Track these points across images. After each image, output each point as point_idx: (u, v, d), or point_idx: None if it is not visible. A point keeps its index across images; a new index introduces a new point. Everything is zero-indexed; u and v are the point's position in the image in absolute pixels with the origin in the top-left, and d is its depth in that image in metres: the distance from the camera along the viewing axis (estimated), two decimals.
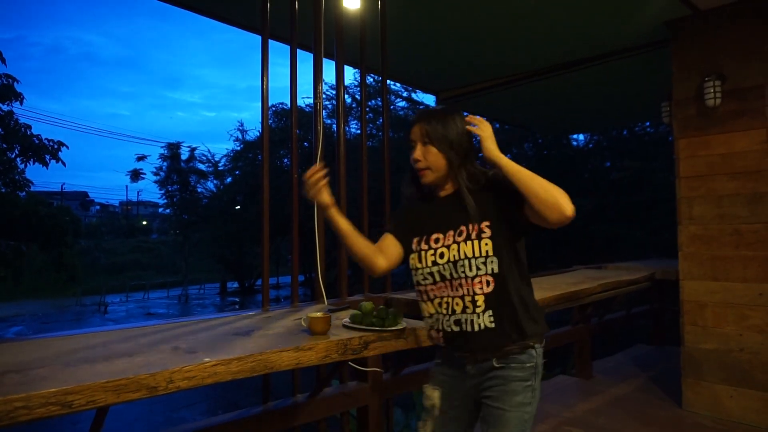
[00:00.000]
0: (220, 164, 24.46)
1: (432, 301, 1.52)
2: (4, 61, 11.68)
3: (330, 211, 1.50)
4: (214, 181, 25.33)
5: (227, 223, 20.70)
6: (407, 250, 1.57)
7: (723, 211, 3.04)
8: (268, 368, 1.45)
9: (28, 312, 20.46)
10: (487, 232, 1.43)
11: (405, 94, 13.83)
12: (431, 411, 1.53)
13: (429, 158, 1.49)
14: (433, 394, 1.53)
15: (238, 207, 20.58)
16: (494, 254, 1.42)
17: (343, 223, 1.52)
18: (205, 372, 1.32)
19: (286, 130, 14.29)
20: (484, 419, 1.47)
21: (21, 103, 11.99)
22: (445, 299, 1.49)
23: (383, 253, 1.55)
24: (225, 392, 8.77)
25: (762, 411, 2.89)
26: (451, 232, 1.48)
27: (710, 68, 3.06)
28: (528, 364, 1.45)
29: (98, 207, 50.59)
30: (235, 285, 27.13)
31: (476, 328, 1.44)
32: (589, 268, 4.27)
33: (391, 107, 13.69)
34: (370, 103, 12.71)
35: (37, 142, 12.15)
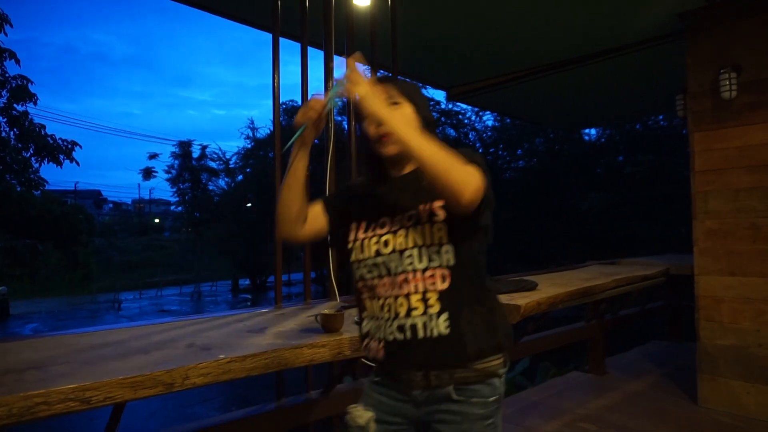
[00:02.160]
0: (231, 162, 24.67)
1: (376, 299, 1.21)
2: (18, 63, 11.84)
3: (303, 149, 1.19)
4: (226, 179, 25.57)
5: (238, 221, 20.87)
6: (334, 231, 1.30)
7: (739, 205, 3.00)
8: (282, 365, 1.46)
9: (43, 309, 20.78)
10: (441, 215, 1.14)
11: None
12: None
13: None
14: (365, 417, 1.21)
15: (250, 204, 20.73)
16: (449, 242, 1.15)
17: (302, 167, 1.20)
18: (220, 369, 1.33)
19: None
20: None
21: (35, 104, 12.16)
22: (388, 300, 1.19)
23: (306, 222, 1.26)
24: (236, 388, 8.85)
25: None
26: (399, 216, 1.19)
27: (726, 60, 3.01)
28: (491, 398, 1.18)
29: (111, 205, 51.17)
30: (247, 282, 27.34)
31: (428, 333, 1.14)
32: (603, 264, 4.24)
33: None
34: None
35: (51, 141, 12.31)
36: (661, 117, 10.99)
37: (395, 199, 1.22)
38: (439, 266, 1.15)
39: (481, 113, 13.58)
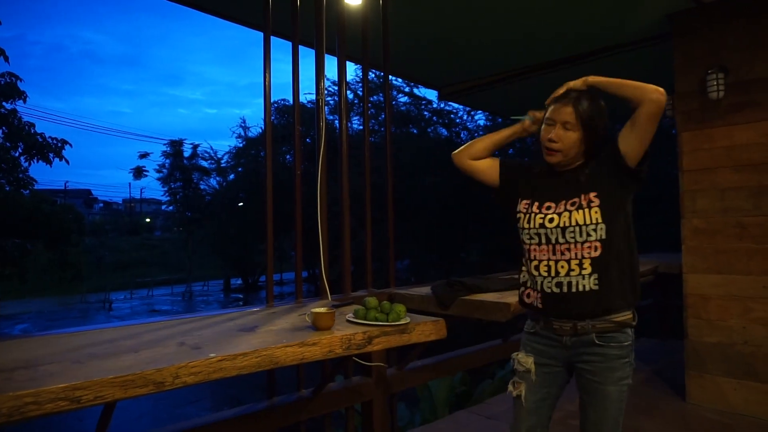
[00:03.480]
0: (222, 161, 24.52)
1: (532, 261, 1.62)
2: (7, 59, 11.69)
3: (520, 135, 1.76)
4: (217, 178, 25.41)
5: (230, 220, 20.73)
6: (501, 188, 1.75)
7: (726, 204, 3.03)
8: (273, 363, 1.46)
9: (33, 310, 20.59)
10: (596, 202, 1.55)
11: (407, 90, 13.80)
12: (525, 376, 1.66)
13: (565, 142, 1.58)
14: (528, 361, 1.65)
15: (241, 204, 20.60)
16: (603, 221, 1.53)
17: (506, 141, 1.78)
18: (210, 367, 1.33)
19: (288, 126, 14.28)
20: (585, 390, 1.60)
21: (24, 102, 12.02)
22: (544, 262, 1.59)
23: (477, 162, 1.77)
24: (227, 388, 8.83)
25: (766, 403, 2.90)
26: (564, 202, 1.59)
27: (713, 61, 3.05)
28: (626, 343, 1.56)
29: (102, 205, 50.70)
30: (239, 281, 27.20)
31: (580, 288, 1.53)
32: None
33: (393, 102, 13.67)
34: (372, 99, 12.68)
35: (40, 140, 12.18)
36: None
37: (560, 189, 1.61)
38: (594, 240, 1.53)
39: (472, 113, 13.62)
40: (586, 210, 1.54)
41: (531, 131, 1.74)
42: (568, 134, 1.57)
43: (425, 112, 14.02)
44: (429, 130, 14.02)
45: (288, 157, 15.54)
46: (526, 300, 1.67)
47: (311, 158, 2.57)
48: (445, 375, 4.32)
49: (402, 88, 13.69)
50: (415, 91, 13.76)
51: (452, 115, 13.88)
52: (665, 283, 4.67)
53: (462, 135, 14.07)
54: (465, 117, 13.87)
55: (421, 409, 4.61)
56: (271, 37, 2.48)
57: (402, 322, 1.73)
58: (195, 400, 8.67)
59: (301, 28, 2.55)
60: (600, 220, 1.53)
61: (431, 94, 14.07)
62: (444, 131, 14.16)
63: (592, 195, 1.55)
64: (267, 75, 2.44)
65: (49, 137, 12.29)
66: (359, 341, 1.63)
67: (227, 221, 20.98)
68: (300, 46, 2.56)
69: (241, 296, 24.12)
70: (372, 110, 12.55)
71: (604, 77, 1.56)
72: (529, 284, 1.66)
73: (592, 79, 1.58)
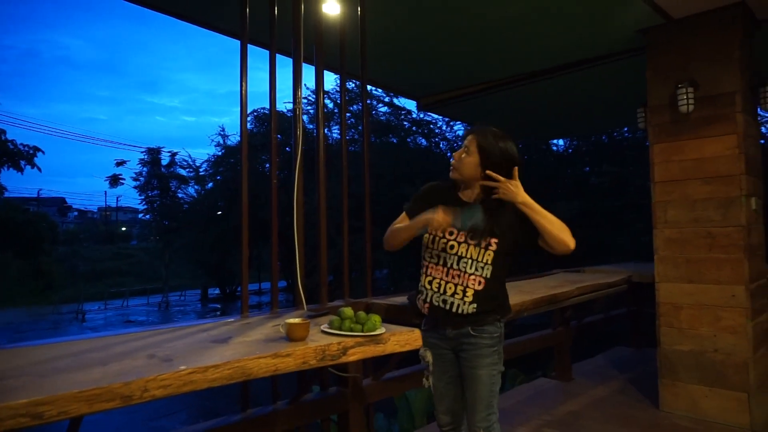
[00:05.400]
0: (201, 169, 24.23)
1: (426, 276, 1.92)
2: None
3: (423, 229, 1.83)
4: (195, 187, 25.08)
5: (209, 229, 20.46)
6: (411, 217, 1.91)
7: (696, 215, 3.11)
8: (245, 375, 1.43)
9: (2, 321, 19.94)
10: (493, 247, 1.83)
11: (387, 99, 13.86)
12: (428, 367, 1.95)
13: (463, 162, 1.86)
14: (426, 354, 1.95)
15: (220, 212, 20.37)
16: (491, 264, 1.83)
17: (416, 229, 1.84)
18: (180, 380, 1.31)
19: (267, 134, 14.16)
20: (463, 375, 1.89)
21: None
22: (437, 280, 1.89)
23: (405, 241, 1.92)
24: (206, 400, 8.66)
25: (736, 410, 2.95)
26: (465, 233, 1.84)
27: (683, 75, 3.13)
28: (495, 334, 1.87)
29: (76, 213, 49.58)
30: (217, 291, 26.81)
31: (460, 311, 1.84)
32: (569, 272, 4.32)
33: (373, 112, 13.71)
34: (352, 108, 12.71)
35: (11, 147, 11.92)
36: (625, 129, 11.30)
37: (465, 218, 1.83)
38: (480, 275, 1.84)
39: (452, 123, 13.74)
40: (483, 250, 1.83)
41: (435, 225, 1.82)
42: (468, 158, 1.84)
43: (405, 122, 14.09)
44: (408, 140, 14.08)
45: (267, 165, 15.42)
46: (419, 305, 1.96)
47: (290, 167, 2.56)
48: (423, 385, 4.29)
49: (382, 98, 13.75)
50: (395, 101, 13.83)
51: (432, 126, 13.98)
52: (639, 292, 4.75)
53: (441, 145, 14.17)
54: (444, 127, 13.99)
55: (399, 419, 4.58)
56: (249, 45, 2.47)
57: (377, 332, 1.73)
58: (170, 412, 8.48)
59: (278, 36, 2.54)
60: (490, 263, 1.83)
61: (411, 105, 14.17)
62: (423, 141, 14.24)
63: (493, 240, 1.83)
64: (244, 83, 2.42)
65: (21, 144, 12.05)
66: (334, 352, 1.62)
67: (205, 230, 20.70)
68: (278, 55, 2.56)
69: (218, 306, 23.75)
70: (351, 119, 12.57)
71: (531, 204, 1.79)
72: (422, 293, 1.93)
73: (522, 199, 1.79)
